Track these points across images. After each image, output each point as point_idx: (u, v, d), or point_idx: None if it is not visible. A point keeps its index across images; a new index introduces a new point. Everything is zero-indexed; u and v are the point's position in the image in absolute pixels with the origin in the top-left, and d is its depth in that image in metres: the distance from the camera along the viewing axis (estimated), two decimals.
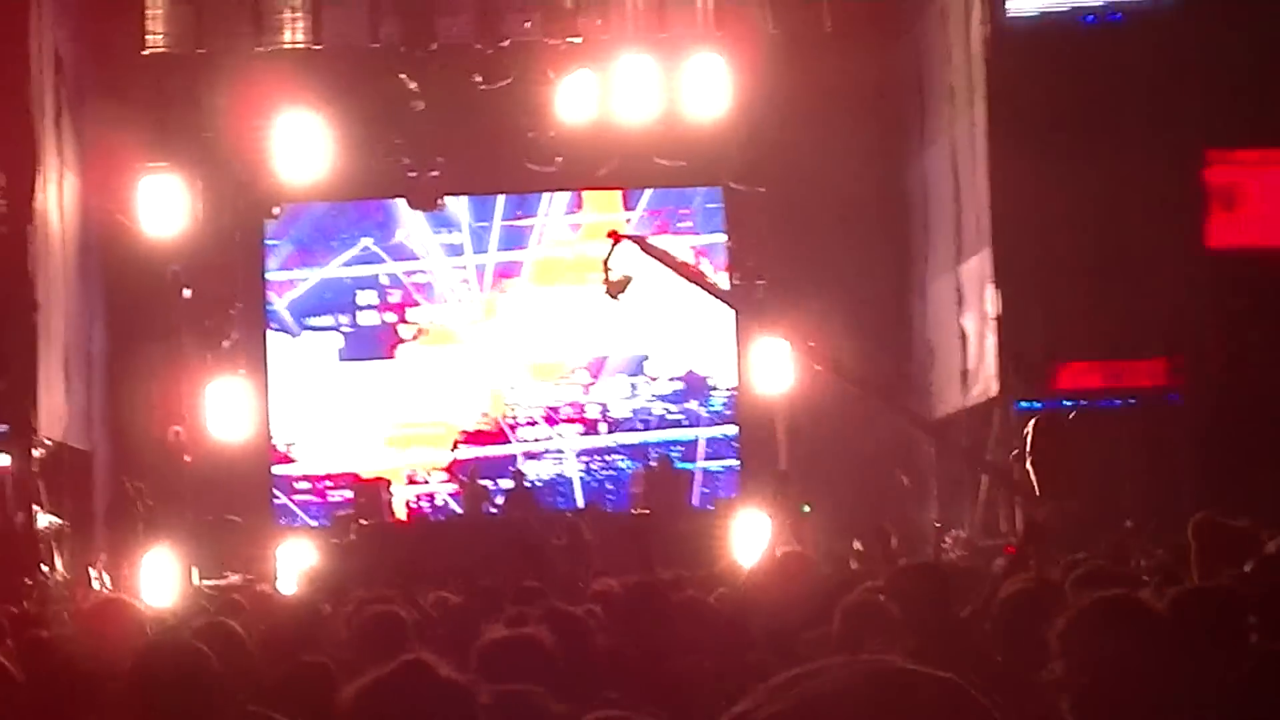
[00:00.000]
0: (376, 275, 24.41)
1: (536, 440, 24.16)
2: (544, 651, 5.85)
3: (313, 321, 24.34)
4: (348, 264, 24.39)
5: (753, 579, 9.87)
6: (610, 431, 24.24)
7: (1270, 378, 19.99)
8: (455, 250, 24.51)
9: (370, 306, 24.36)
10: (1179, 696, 4.11)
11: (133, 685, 5.65)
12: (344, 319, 24.35)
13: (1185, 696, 4.15)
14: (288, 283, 24.37)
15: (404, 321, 24.32)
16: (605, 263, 19.50)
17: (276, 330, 24.20)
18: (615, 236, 19.72)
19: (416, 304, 24.33)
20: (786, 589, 8.50)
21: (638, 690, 6.21)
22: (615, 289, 19.71)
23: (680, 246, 23.37)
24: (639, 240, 19.65)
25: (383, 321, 24.32)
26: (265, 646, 8.70)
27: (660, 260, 19.37)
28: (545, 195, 24.50)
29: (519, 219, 24.55)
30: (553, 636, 6.11)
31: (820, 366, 20.86)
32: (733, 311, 22.44)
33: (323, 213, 24.43)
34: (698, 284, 19.92)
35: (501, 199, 24.51)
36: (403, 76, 22.94)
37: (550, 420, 24.18)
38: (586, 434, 24.26)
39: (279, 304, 24.28)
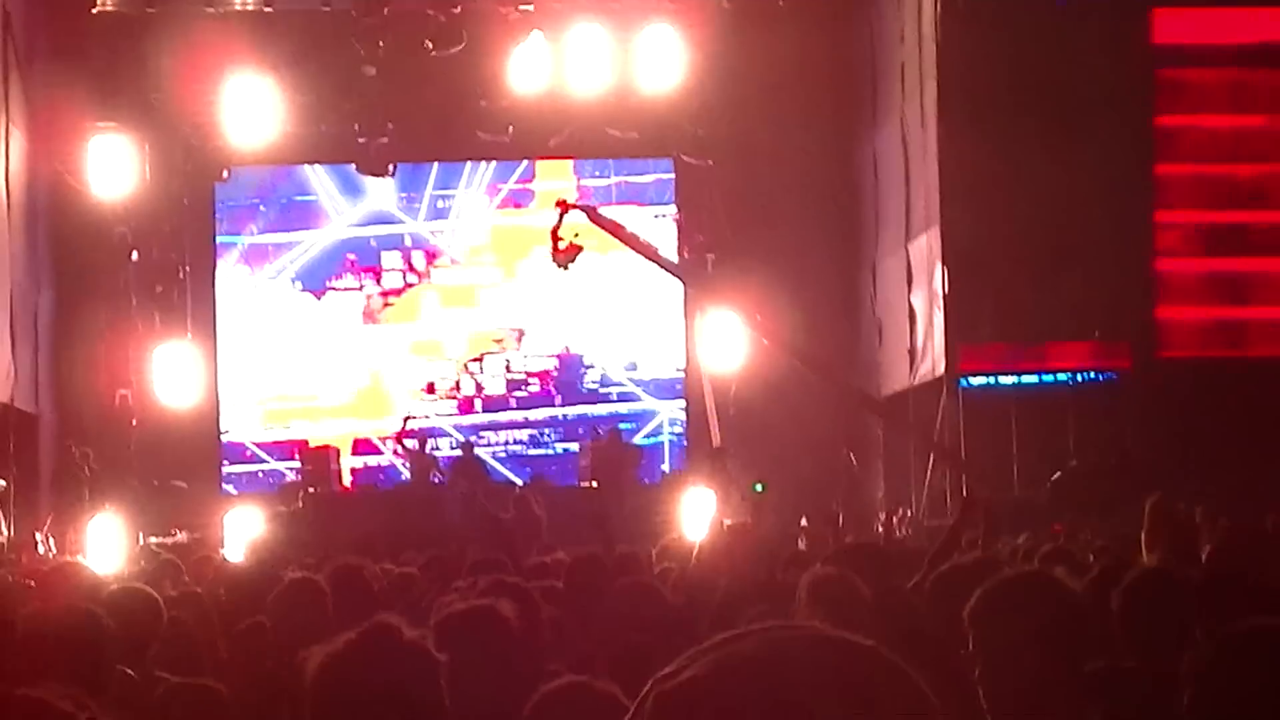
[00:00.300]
0: (339, 241, 24.49)
1: (484, 411, 24.19)
2: (504, 623, 5.73)
3: (270, 282, 24.41)
4: (305, 229, 24.44)
5: (700, 553, 9.98)
6: (561, 405, 24.35)
7: (1214, 365, 20.29)
8: (416, 217, 24.64)
9: (335, 276, 24.44)
10: (1090, 676, 4.10)
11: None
12: (293, 280, 24.46)
13: (1097, 677, 4.15)
14: (246, 246, 24.39)
15: (361, 290, 24.42)
16: (554, 232, 19.50)
17: (223, 296, 24.21)
18: (564, 205, 19.68)
19: (376, 270, 24.43)
20: (733, 562, 8.63)
21: (582, 663, 6.13)
22: (564, 258, 19.62)
23: (630, 217, 23.45)
24: (588, 210, 19.58)
25: (342, 289, 24.44)
26: (215, 611, 8.76)
27: (609, 231, 19.34)
28: (502, 163, 24.54)
29: (494, 189, 24.69)
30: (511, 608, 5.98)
31: (767, 341, 21.00)
32: (681, 285, 22.34)
33: (275, 176, 24.44)
34: (647, 256, 19.92)
35: (468, 167, 24.60)
36: (354, 41, 22.81)
37: (496, 395, 24.28)
38: (535, 406, 24.29)
39: (233, 266, 24.31)
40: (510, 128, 23.31)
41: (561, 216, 19.47)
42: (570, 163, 24.62)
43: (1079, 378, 20.71)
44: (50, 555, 18.70)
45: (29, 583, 9.94)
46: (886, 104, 22.93)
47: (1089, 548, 11.11)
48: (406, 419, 21.98)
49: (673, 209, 24.67)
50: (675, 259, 21.86)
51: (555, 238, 19.50)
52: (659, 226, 24.35)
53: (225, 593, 9.45)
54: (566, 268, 19.89)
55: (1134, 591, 5.74)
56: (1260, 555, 8.53)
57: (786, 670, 1.70)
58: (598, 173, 24.66)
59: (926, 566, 8.23)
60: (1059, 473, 17.43)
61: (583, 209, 19.53)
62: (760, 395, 21.67)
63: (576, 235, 19.46)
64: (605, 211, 19.66)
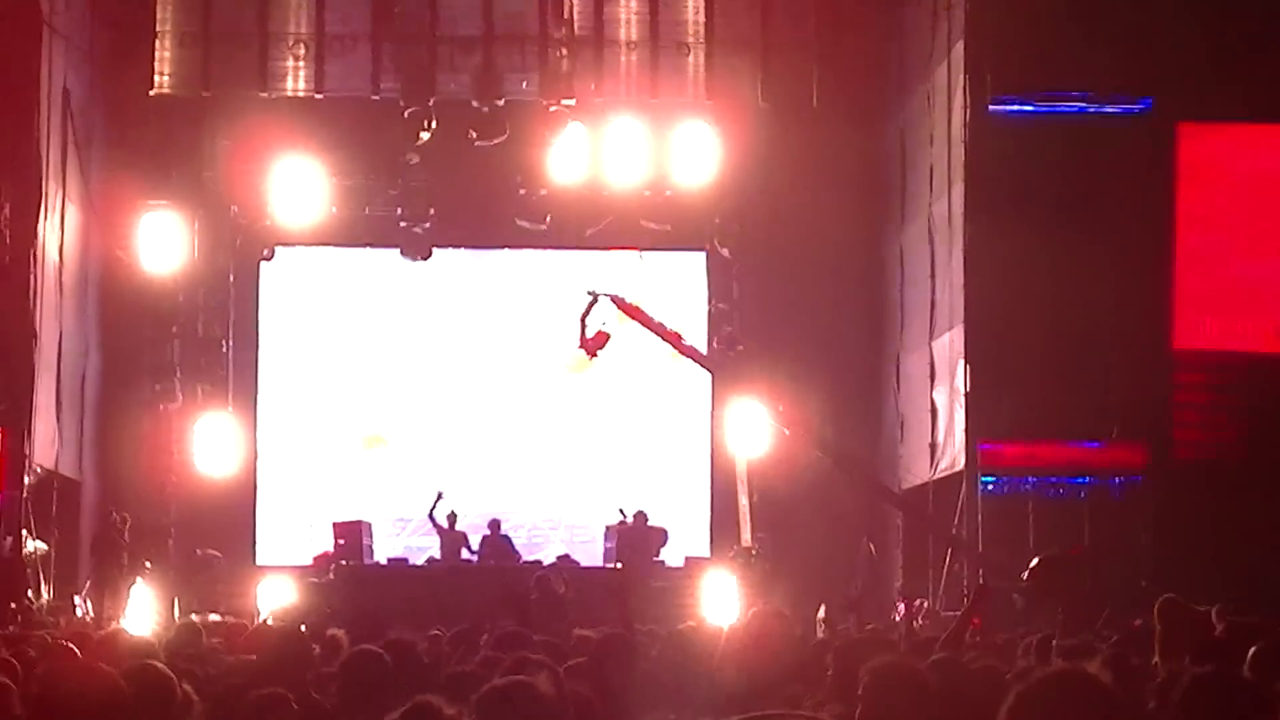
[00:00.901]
0: (371, 322, 24.35)
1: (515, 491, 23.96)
2: (541, 701, 5.59)
3: (312, 358, 24.28)
4: (344, 309, 24.39)
5: (732, 635, 10.01)
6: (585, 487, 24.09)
7: (1229, 468, 20.28)
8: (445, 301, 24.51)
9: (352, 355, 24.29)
10: None
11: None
12: (336, 357, 24.29)
13: None
14: (286, 323, 24.32)
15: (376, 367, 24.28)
16: (582, 319, 19.60)
17: (268, 368, 24.12)
18: (593, 295, 19.79)
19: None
20: (765, 646, 8.94)
21: None
22: (592, 346, 19.75)
23: (661, 307, 23.44)
24: (617, 299, 19.68)
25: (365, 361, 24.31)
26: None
27: (637, 319, 19.48)
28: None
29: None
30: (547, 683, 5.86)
31: (789, 431, 21.07)
32: (709, 374, 22.29)
33: (319, 257, 24.42)
34: (674, 345, 19.94)
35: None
36: (399, 129, 23.00)
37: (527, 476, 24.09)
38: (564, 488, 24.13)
39: (275, 342, 24.23)
40: (548, 217, 23.39)
41: (591, 305, 19.67)
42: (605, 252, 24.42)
43: (1096, 480, 20.63)
44: (88, 619, 18.85)
45: (69, 645, 10.02)
46: (915, 203, 22.91)
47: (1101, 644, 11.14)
48: (439, 496, 21.96)
49: (705, 300, 24.55)
50: (704, 349, 21.91)
51: (584, 325, 19.66)
52: (690, 317, 24.04)
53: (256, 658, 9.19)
54: (595, 355, 19.99)
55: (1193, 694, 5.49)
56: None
57: None
58: (632, 263, 24.42)
59: (940, 650, 8.44)
60: (1036, 560, 17.27)
61: (612, 298, 19.67)
62: (783, 483, 21.74)
63: (604, 324, 19.62)
64: (634, 301, 19.83)
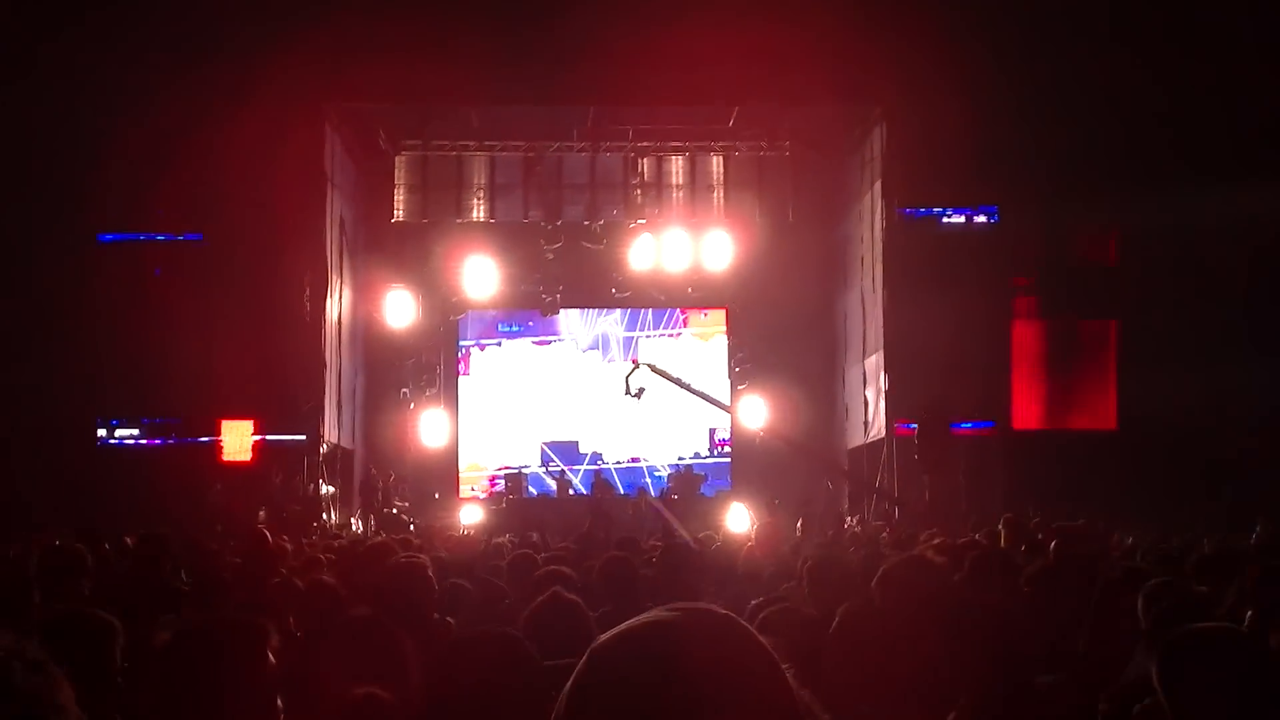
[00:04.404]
0: (517, 351, 24.33)
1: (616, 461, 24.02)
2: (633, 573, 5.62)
3: (485, 378, 24.22)
4: (507, 346, 24.35)
5: (749, 537, 10.16)
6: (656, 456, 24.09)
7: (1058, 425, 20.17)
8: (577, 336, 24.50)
9: (510, 373, 24.25)
10: (955, 621, 3.57)
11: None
12: (501, 373, 24.16)
13: (960, 620, 3.60)
14: (472, 355, 24.38)
15: (525, 379, 24.18)
16: (627, 379, 19.33)
17: (461, 379, 24.15)
18: (635, 363, 19.60)
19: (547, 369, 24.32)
20: (768, 545, 8.80)
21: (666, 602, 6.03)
22: (635, 396, 19.52)
23: (693, 352, 23.40)
24: (651, 365, 19.58)
25: (518, 376, 24.21)
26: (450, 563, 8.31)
27: (665, 378, 19.17)
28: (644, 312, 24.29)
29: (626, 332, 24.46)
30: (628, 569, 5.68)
31: (765, 434, 21.07)
32: (723, 406, 21.73)
33: (491, 316, 24.40)
34: (694, 393, 19.45)
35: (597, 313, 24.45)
36: (542, 241, 23.33)
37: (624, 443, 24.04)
38: (642, 448, 24.08)
39: (465, 366, 24.24)
40: (630, 291, 23.61)
41: (634, 369, 19.43)
42: (665, 311, 24.46)
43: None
44: (361, 532, 18.90)
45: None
46: (853, 277, 22.88)
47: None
48: (562, 471, 21.81)
49: (725, 340, 24.47)
50: (713, 395, 20.72)
51: (628, 382, 19.27)
52: (714, 353, 24.11)
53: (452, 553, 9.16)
54: (639, 397, 19.71)
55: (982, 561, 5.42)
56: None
57: (675, 639, 1.24)
58: (681, 316, 24.53)
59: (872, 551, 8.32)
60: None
61: (649, 366, 19.49)
62: (774, 451, 21.79)
63: (642, 391, 19.33)
64: (663, 367, 19.51)
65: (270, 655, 2.98)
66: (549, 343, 24.31)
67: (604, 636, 1.30)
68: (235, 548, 9.15)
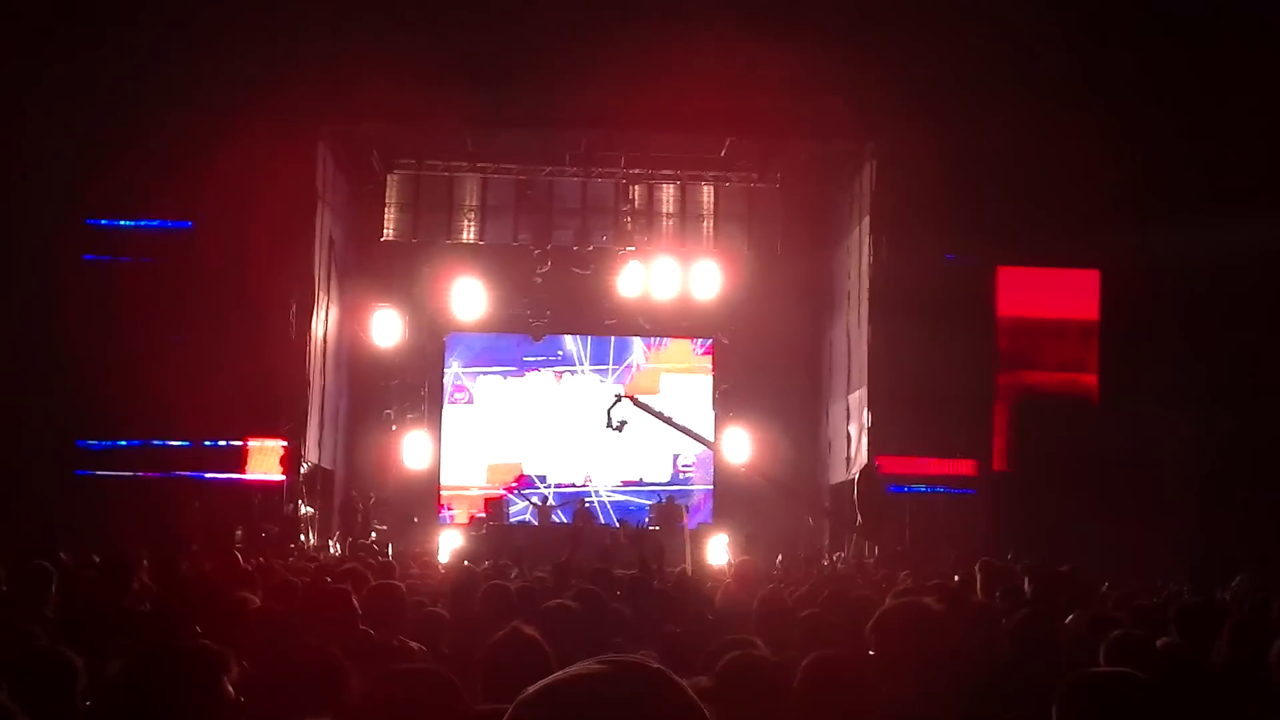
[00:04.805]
0: (504, 374, 24.09)
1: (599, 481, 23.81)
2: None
3: (473, 398, 24.01)
4: (493, 370, 24.20)
5: (725, 573, 10.05)
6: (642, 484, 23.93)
7: (1038, 476, 19.82)
8: (564, 360, 24.29)
9: (498, 396, 24.00)
10: (945, 661, 3.72)
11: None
12: (488, 397, 24.03)
13: (950, 661, 3.75)
14: (460, 376, 24.07)
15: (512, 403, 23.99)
16: (609, 411, 18.88)
17: (447, 405, 23.93)
18: (618, 396, 19.21)
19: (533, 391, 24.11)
20: (744, 579, 8.86)
21: (634, 640, 5.78)
22: (616, 428, 19.21)
23: (673, 387, 23.24)
24: (633, 398, 19.30)
25: (505, 401, 24.02)
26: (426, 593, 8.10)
27: (647, 411, 18.94)
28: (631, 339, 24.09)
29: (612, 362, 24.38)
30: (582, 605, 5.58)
31: (746, 469, 20.89)
32: (706, 442, 21.41)
33: (478, 339, 24.23)
34: (676, 428, 19.23)
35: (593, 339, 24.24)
36: (536, 268, 23.36)
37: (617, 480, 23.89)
38: (628, 485, 23.93)
39: (451, 389, 24.01)
40: (618, 318, 23.58)
41: (616, 402, 19.03)
42: (654, 339, 24.33)
43: (949, 491, 20.21)
44: (338, 555, 18.57)
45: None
46: (839, 313, 22.92)
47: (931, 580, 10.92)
48: (545, 499, 21.69)
49: (709, 369, 24.30)
50: (691, 428, 20.26)
51: (610, 415, 18.80)
52: (700, 385, 23.92)
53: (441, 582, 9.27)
54: (621, 430, 19.48)
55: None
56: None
57: (599, 695, 1.21)
58: (667, 344, 24.34)
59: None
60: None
61: (630, 398, 19.19)
62: (757, 484, 21.62)
63: (624, 424, 18.89)
64: (644, 400, 19.31)
65: (228, 686, 2.93)
66: (536, 367, 24.19)
67: (530, 689, 1.28)
68: (207, 570, 9.04)
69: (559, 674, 1.28)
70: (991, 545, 15.90)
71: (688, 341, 24.32)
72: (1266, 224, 18.63)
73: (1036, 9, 18.31)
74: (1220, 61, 18.64)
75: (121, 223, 19.81)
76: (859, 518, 17.99)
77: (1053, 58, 18.79)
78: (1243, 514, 18.00)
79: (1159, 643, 5.33)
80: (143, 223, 19.87)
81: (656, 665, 1.29)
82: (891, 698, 3.39)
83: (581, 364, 24.31)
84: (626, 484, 23.95)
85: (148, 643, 3.69)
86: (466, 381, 24.14)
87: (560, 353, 24.24)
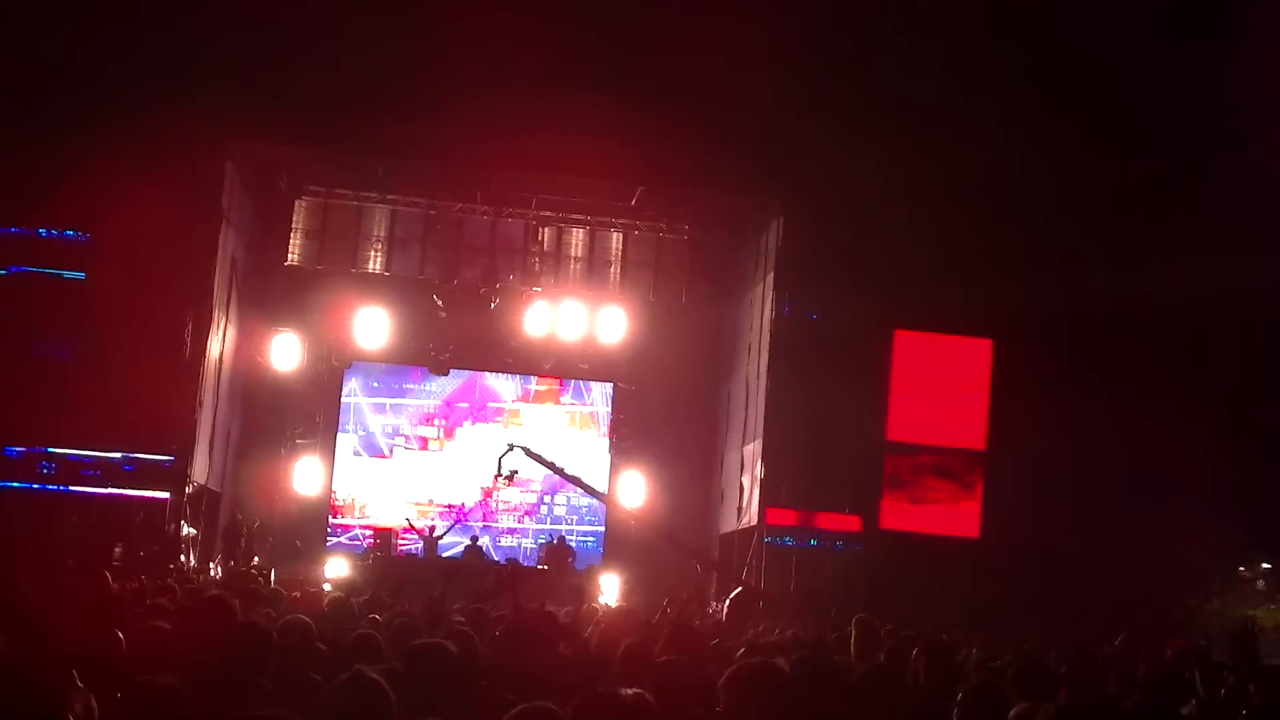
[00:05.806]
0: (402, 407, 23.89)
1: (485, 522, 23.61)
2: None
3: (369, 427, 23.69)
4: (391, 401, 23.95)
5: (604, 619, 9.98)
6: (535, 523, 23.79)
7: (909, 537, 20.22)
8: (463, 397, 24.01)
9: (395, 429, 23.83)
10: None
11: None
12: (385, 429, 23.75)
13: None
14: (355, 406, 23.87)
15: (410, 437, 23.87)
16: (500, 460, 18.66)
17: (341, 433, 23.61)
18: (511, 445, 18.84)
19: (431, 422, 23.93)
20: (623, 623, 8.96)
21: (512, 683, 5.53)
22: (506, 479, 18.77)
23: (568, 435, 23.18)
24: (525, 449, 18.99)
25: (403, 435, 23.89)
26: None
27: (539, 462, 18.67)
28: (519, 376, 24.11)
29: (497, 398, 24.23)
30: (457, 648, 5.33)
31: (637, 522, 20.81)
32: (598, 495, 21.29)
33: (377, 369, 23.93)
34: (568, 479, 19.16)
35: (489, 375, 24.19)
36: (435, 296, 23.14)
37: (500, 512, 23.67)
38: (518, 523, 23.73)
39: (347, 418, 23.73)
40: (519, 357, 23.43)
41: (507, 451, 18.74)
42: (554, 381, 24.19)
43: (837, 545, 20.47)
44: (216, 577, 18.53)
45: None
46: (738, 364, 23.10)
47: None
48: (432, 529, 21.47)
49: (608, 414, 24.21)
50: (582, 478, 20.20)
51: (500, 464, 18.53)
52: (597, 433, 23.79)
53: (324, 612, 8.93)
54: (511, 481, 19.14)
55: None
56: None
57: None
58: (569, 387, 24.24)
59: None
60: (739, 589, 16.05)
61: (524, 450, 18.76)
62: (646, 535, 21.60)
63: (515, 474, 18.67)
64: (537, 450, 18.84)
65: None
66: (434, 401, 23.92)
67: None
68: (76, 590, 8.75)
69: None
70: (873, 602, 16.00)
71: (594, 384, 24.26)
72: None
73: (942, 84, 18.77)
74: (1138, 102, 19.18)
75: (13, 230, 19.36)
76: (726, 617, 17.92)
77: (956, 119, 19.16)
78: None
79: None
80: (39, 231, 19.45)
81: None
82: None
83: (482, 404, 24.14)
84: (519, 524, 23.82)
85: None
86: (363, 411, 23.85)
87: (458, 390, 24.00)
